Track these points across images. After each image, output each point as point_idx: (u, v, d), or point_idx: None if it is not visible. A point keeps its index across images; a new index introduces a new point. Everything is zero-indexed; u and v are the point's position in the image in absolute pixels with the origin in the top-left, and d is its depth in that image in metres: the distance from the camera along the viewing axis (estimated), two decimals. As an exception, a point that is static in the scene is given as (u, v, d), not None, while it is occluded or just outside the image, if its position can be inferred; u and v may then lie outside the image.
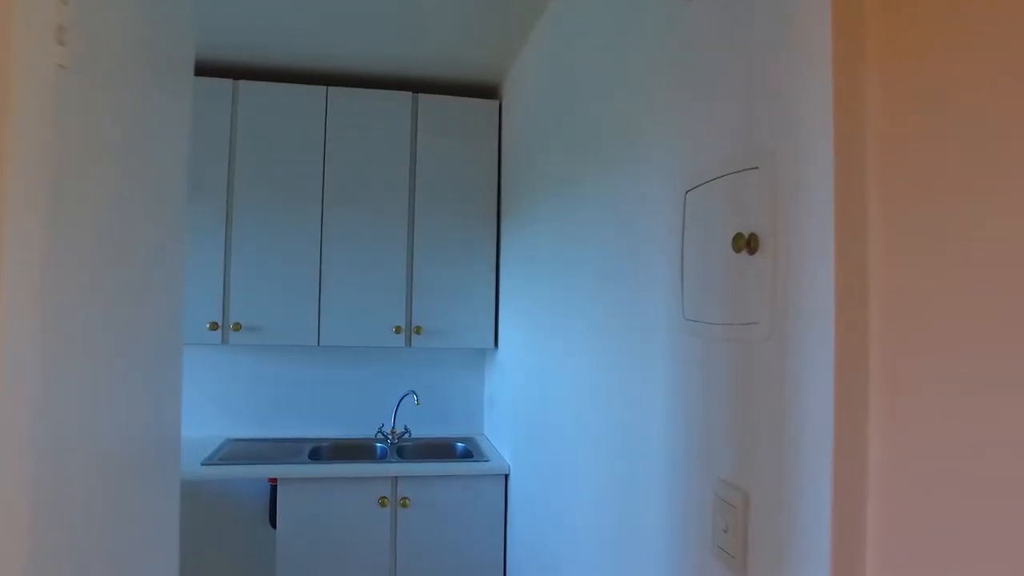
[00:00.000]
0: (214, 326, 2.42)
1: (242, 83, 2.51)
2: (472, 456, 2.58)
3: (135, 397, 0.86)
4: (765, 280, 0.80)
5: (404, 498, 2.34)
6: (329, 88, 2.59)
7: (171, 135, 0.97)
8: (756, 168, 0.82)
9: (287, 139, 2.54)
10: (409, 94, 2.66)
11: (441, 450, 2.77)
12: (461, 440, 2.81)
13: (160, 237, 0.93)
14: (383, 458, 2.62)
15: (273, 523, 2.27)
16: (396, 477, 2.35)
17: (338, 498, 2.30)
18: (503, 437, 2.57)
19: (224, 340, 2.45)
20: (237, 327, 2.44)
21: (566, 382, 1.78)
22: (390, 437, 2.73)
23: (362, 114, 2.61)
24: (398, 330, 2.59)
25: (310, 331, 2.52)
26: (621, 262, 1.39)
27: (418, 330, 2.62)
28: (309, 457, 2.46)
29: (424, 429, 2.89)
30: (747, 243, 0.82)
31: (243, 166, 2.50)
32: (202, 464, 2.25)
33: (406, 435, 2.79)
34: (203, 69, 2.57)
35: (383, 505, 2.32)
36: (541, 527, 1.98)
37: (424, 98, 2.68)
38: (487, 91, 2.90)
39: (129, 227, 0.81)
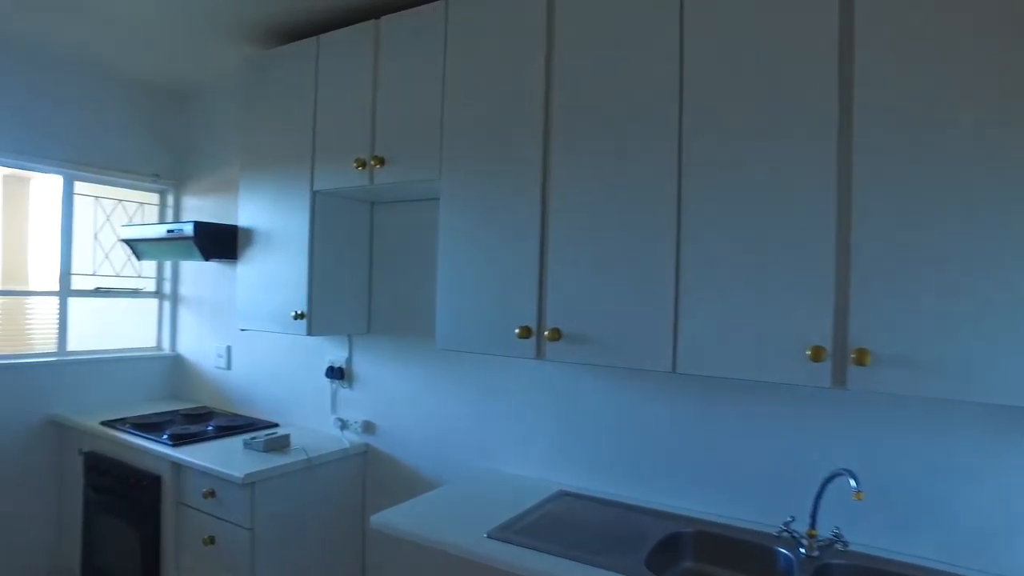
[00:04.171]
0: (525, 332, 1.72)
1: (565, -15, 1.76)
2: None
3: None
4: None
5: None
6: (688, -47, 1.59)
7: None
8: None
9: (625, 54, 1.65)
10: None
11: (910, 592, 1.43)
12: (957, 580, 1.40)
13: None
14: (789, 578, 1.47)
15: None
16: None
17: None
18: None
19: (539, 352, 1.72)
20: (555, 335, 1.68)
21: None
22: (804, 542, 1.54)
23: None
24: (817, 355, 1.38)
25: (661, 349, 1.57)
26: None
27: (860, 357, 1.34)
28: (652, 555, 1.51)
29: (873, 536, 1.59)
30: None
31: (564, 106, 1.73)
32: (487, 536, 1.56)
33: (837, 543, 1.56)
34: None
35: None
36: None
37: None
38: None
39: None
